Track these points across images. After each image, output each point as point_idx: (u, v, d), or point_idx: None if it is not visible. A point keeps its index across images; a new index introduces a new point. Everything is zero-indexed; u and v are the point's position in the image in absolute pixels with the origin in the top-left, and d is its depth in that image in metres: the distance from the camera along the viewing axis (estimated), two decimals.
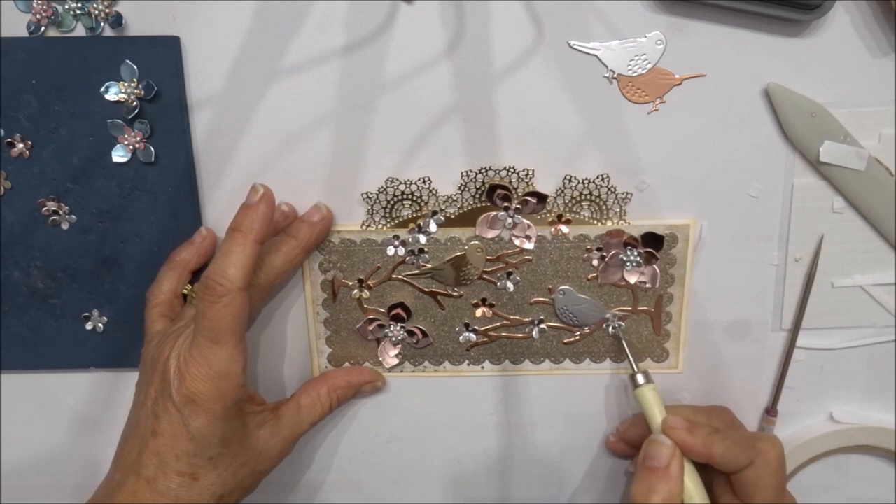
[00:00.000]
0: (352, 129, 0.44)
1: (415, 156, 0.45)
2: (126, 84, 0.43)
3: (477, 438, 0.50)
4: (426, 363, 0.49)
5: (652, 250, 0.46)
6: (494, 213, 0.45)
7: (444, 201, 0.45)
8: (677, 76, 0.43)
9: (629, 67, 0.43)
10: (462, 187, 0.45)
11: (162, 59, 0.43)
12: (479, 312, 0.48)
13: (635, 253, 0.46)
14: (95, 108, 0.43)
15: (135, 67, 0.43)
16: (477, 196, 0.45)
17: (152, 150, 0.44)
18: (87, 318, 0.47)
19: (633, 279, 0.46)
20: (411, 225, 0.46)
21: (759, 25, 0.43)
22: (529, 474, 0.51)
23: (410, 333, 0.48)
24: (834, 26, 0.43)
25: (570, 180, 0.45)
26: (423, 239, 0.46)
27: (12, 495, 0.51)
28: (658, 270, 0.46)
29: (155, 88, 0.43)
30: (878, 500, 0.51)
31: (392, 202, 0.45)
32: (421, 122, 0.44)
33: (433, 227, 0.46)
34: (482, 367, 0.49)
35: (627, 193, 0.45)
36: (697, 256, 0.47)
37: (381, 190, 0.45)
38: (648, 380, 0.45)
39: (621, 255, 0.46)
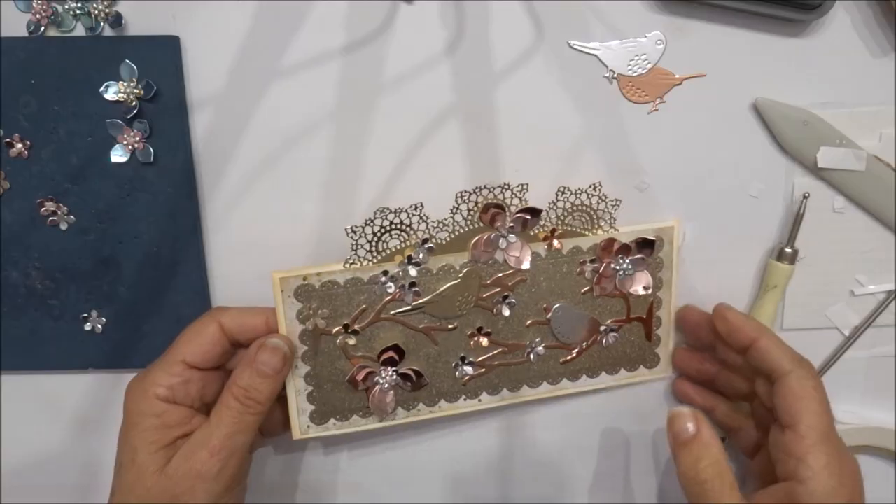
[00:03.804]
0: (352, 129, 0.44)
1: (415, 156, 0.45)
2: (125, 84, 0.43)
3: (477, 438, 0.50)
4: (420, 405, 0.45)
5: (643, 255, 0.45)
6: (488, 234, 0.42)
7: (435, 227, 0.42)
8: (677, 76, 0.43)
9: (629, 67, 0.43)
10: (454, 209, 0.41)
11: (162, 58, 0.43)
12: (475, 343, 0.44)
13: (627, 261, 0.45)
14: (94, 109, 0.43)
15: (134, 67, 0.42)
16: (469, 218, 0.42)
17: (151, 150, 0.44)
18: (86, 319, 0.47)
19: (627, 288, 0.45)
20: (399, 258, 0.42)
21: (759, 25, 0.43)
22: (529, 474, 0.51)
23: (404, 377, 0.44)
24: (834, 26, 0.43)
25: (562, 192, 0.43)
26: (413, 271, 0.42)
27: (12, 495, 0.51)
28: (650, 275, 0.45)
29: (154, 88, 0.43)
30: (878, 500, 0.51)
31: (379, 234, 0.41)
32: (421, 122, 0.44)
33: (425, 257, 0.42)
34: (479, 401, 0.46)
35: (617, 200, 0.43)
36: (695, 258, 0.47)
37: (368, 222, 0.41)
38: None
39: (613, 265, 0.45)
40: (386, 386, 0.44)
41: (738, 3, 0.41)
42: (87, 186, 0.44)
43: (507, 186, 0.42)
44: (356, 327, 0.43)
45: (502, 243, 0.43)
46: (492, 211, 0.42)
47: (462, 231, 0.42)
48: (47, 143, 0.44)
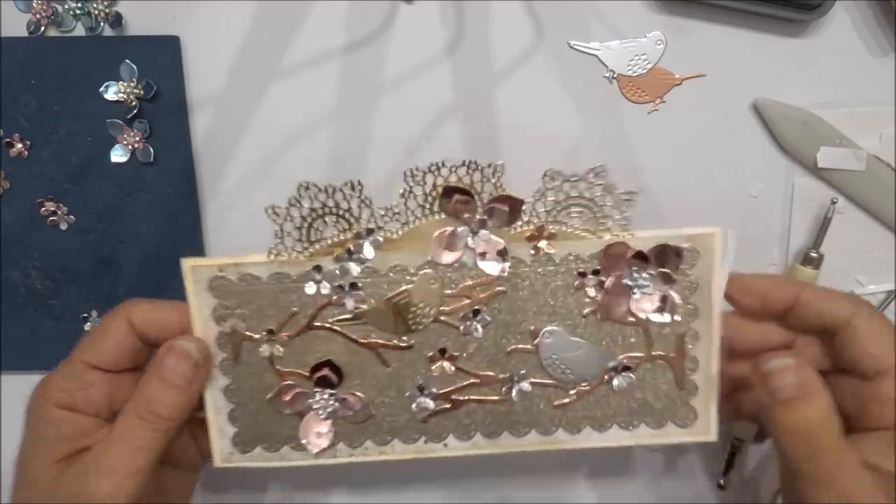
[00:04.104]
0: (352, 129, 0.44)
1: (415, 156, 0.44)
2: (125, 84, 0.43)
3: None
4: (367, 443, 0.37)
5: (668, 270, 0.35)
6: (452, 228, 0.34)
7: (383, 216, 0.34)
8: (677, 76, 0.43)
9: (629, 67, 0.43)
10: (405, 192, 0.34)
11: (162, 58, 0.43)
12: (436, 369, 0.36)
13: (644, 275, 0.35)
14: (95, 108, 0.43)
15: (134, 67, 0.42)
16: (426, 206, 0.34)
17: (151, 150, 0.44)
18: (86, 319, 0.47)
19: (644, 311, 0.36)
20: (338, 250, 0.35)
21: (759, 25, 0.43)
22: (529, 474, 0.50)
23: (343, 402, 0.36)
24: (834, 26, 0.43)
25: (552, 178, 0.34)
26: (355, 269, 0.35)
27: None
28: (677, 298, 0.36)
29: (154, 88, 0.43)
30: None
31: (310, 220, 0.34)
32: (421, 122, 0.44)
33: (369, 251, 0.35)
34: (445, 445, 0.37)
35: (630, 193, 0.35)
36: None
37: (293, 202, 0.34)
38: None
39: (626, 279, 0.36)
40: (321, 413, 0.36)
41: (738, 3, 0.41)
42: (87, 186, 0.44)
43: (474, 166, 0.34)
44: (284, 335, 0.36)
45: (471, 241, 0.34)
46: (456, 198, 0.34)
47: (417, 222, 0.34)
48: (47, 143, 0.44)
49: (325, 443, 0.37)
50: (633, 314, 0.36)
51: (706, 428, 0.37)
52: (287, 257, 0.35)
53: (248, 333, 0.36)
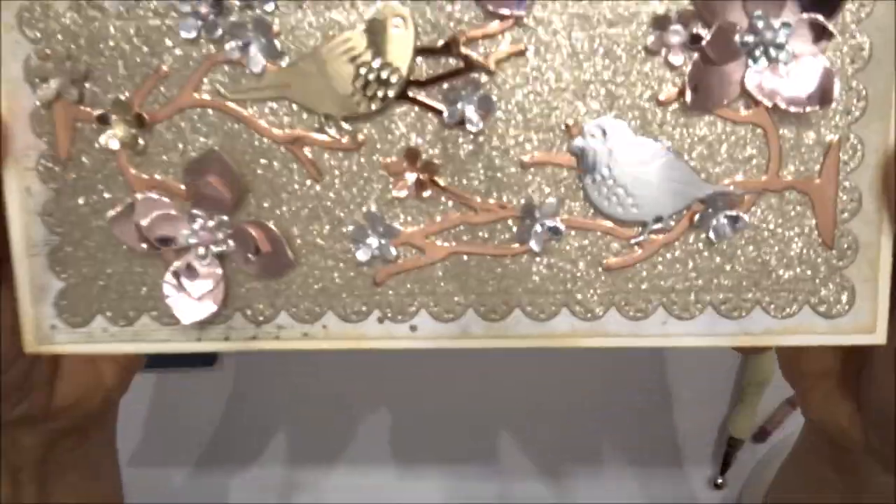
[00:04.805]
0: None
1: None
2: None
3: (477, 439, 0.48)
4: (281, 317, 0.23)
5: (820, 18, 0.20)
6: None
7: None
8: None
9: None
10: None
11: None
12: (400, 186, 0.22)
13: (777, 24, 0.20)
14: None
15: None
16: None
17: None
18: None
19: (772, 94, 0.21)
20: None
21: None
22: (529, 474, 0.48)
23: (240, 238, 0.22)
24: None
25: None
26: (269, 5, 0.22)
27: None
28: (834, 74, 0.21)
29: None
30: None
31: None
32: None
33: None
34: (412, 329, 0.23)
35: None
36: None
37: None
38: None
39: (741, 33, 0.20)
40: (202, 255, 0.22)
41: None
42: None
43: None
44: (143, 113, 0.22)
45: None
46: None
47: None
48: None
49: (207, 309, 0.22)
50: (749, 99, 0.21)
51: (868, 320, 0.22)
52: None
53: (83, 108, 0.22)
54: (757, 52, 0.21)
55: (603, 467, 0.48)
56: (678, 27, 0.21)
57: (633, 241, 0.22)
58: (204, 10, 0.21)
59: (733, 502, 0.48)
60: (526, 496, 0.48)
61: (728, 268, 0.22)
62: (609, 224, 0.22)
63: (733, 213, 0.22)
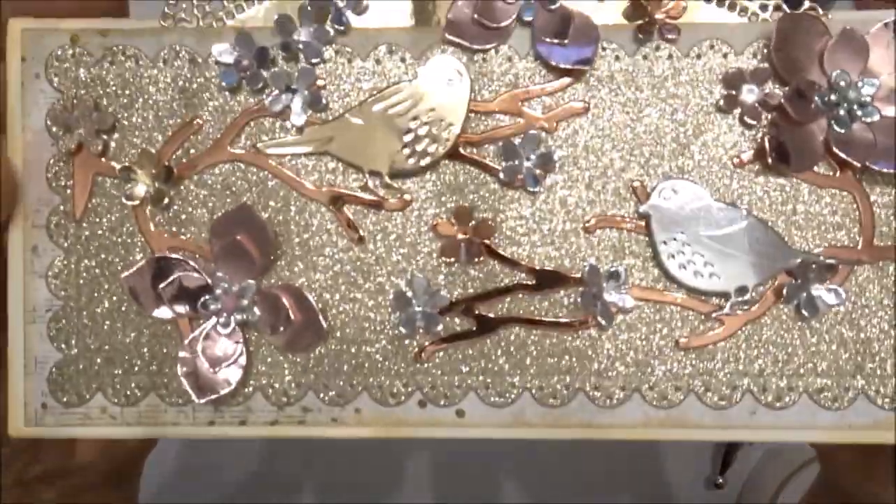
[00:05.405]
0: None
1: None
2: None
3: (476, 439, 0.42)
4: (305, 400, 0.20)
5: None
6: None
7: None
8: None
9: None
10: None
11: None
12: (449, 249, 0.20)
13: (862, 83, 0.18)
14: None
15: None
16: None
17: None
18: None
19: (859, 155, 0.19)
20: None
21: None
22: (527, 474, 0.48)
23: (269, 304, 0.19)
24: None
25: None
26: (315, 50, 0.20)
27: None
28: None
29: None
30: None
31: None
32: None
33: (350, 15, 0.19)
34: (458, 414, 0.20)
35: None
36: None
37: None
38: None
39: (820, 88, 0.18)
40: (223, 321, 0.19)
41: None
42: None
43: None
44: (171, 166, 0.20)
45: (528, 13, 0.19)
46: None
47: None
48: None
49: (224, 385, 0.19)
50: (833, 160, 0.19)
51: None
52: (193, 23, 0.20)
53: (105, 160, 0.20)
54: (840, 111, 0.19)
55: (602, 468, 0.47)
56: (752, 86, 0.20)
57: (712, 314, 0.19)
58: (246, 61, 0.20)
59: (733, 502, 0.48)
60: (524, 496, 0.48)
61: (824, 348, 0.19)
62: (683, 296, 0.19)
63: (828, 285, 0.19)
